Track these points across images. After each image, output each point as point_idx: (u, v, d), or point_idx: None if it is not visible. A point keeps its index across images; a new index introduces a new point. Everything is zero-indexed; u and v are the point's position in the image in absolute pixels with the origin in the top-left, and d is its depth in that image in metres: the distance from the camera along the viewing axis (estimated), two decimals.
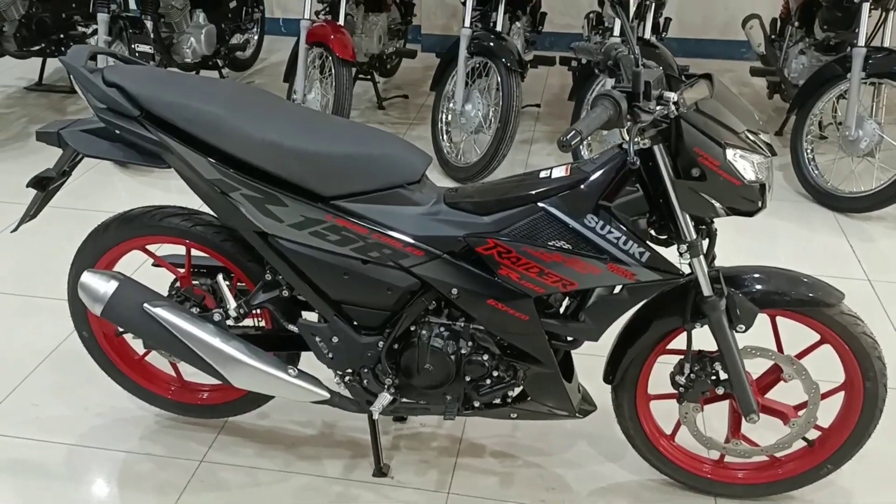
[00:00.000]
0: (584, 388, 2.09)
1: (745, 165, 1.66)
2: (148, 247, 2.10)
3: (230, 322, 2.02)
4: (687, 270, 1.78)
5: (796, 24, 4.41)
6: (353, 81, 3.84)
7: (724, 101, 1.69)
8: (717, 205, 1.69)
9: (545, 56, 4.72)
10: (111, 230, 2.06)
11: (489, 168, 3.76)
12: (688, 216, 1.72)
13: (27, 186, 1.94)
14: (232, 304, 1.98)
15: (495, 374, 1.94)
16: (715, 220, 1.79)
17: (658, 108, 1.62)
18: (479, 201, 1.84)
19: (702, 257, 1.76)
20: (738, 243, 3.39)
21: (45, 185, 1.98)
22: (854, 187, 3.68)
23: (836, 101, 3.81)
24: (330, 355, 1.99)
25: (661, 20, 4.80)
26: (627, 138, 1.58)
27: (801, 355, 1.95)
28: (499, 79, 3.74)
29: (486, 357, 1.91)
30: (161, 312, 1.92)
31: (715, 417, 2.22)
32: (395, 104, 5.03)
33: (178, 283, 2.14)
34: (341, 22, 3.99)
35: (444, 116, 4.01)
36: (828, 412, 1.97)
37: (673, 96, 1.63)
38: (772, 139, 1.82)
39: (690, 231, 1.73)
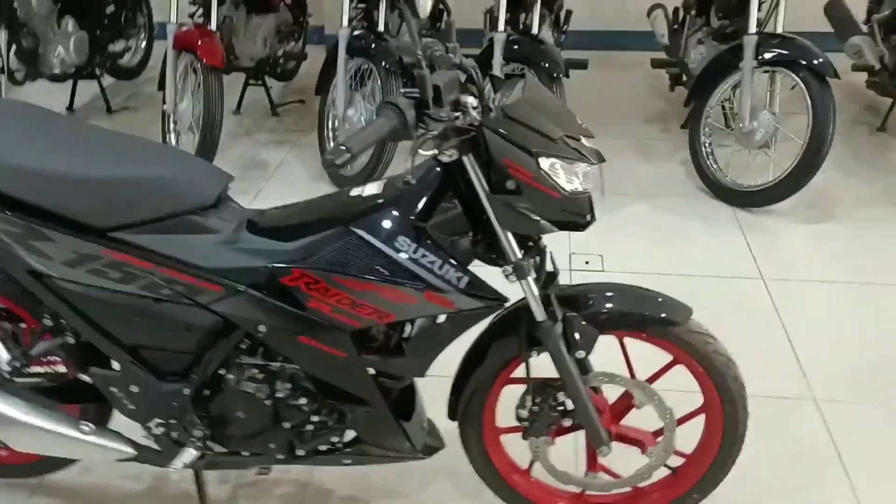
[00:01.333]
0: (432, 422, 1.89)
1: (565, 175, 1.47)
2: None
3: (19, 374, 1.77)
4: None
5: (694, 12, 4.29)
6: (221, 89, 3.59)
7: (538, 104, 1.49)
8: (539, 220, 1.49)
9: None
10: None
11: (373, 175, 3.54)
12: (509, 234, 1.53)
13: None
14: (4, 356, 1.72)
15: (316, 418, 1.72)
16: (543, 237, 1.60)
17: (456, 114, 1.42)
18: (283, 226, 1.63)
19: (531, 279, 1.57)
20: (630, 246, 3.24)
21: None
22: (752, 181, 3.55)
23: (732, 91, 3.67)
24: (131, 406, 1.75)
25: (563, 13, 4.64)
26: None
27: (653, 378, 1.77)
28: (379, 82, 3.52)
29: (304, 401, 1.69)
30: None
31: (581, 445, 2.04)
32: (290, 110, 4.79)
33: None
34: (213, 26, 3.73)
35: (329, 122, 3.79)
36: (692, 437, 1.80)
37: (472, 101, 1.44)
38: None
39: (515, 250, 1.54)
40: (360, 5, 3.86)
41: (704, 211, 3.53)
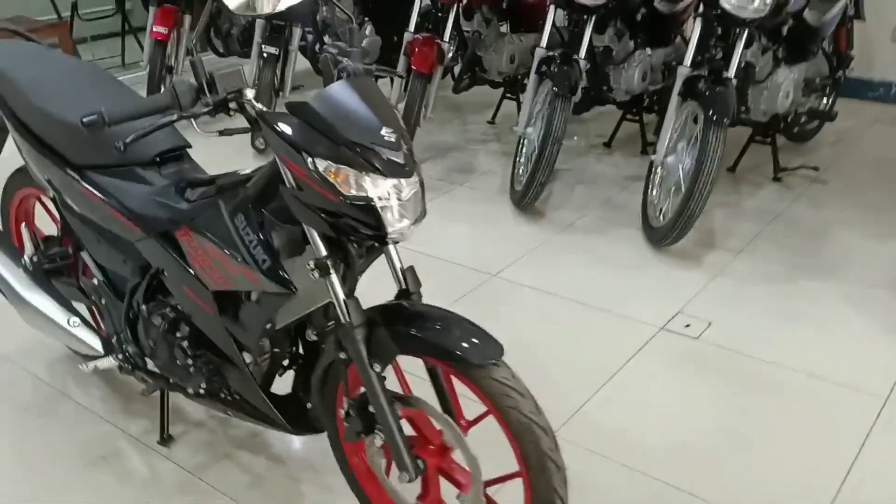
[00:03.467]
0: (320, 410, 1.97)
1: (350, 181, 1.47)
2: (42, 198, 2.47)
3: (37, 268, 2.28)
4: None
5: None
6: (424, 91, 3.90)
7: (343, 103, 1.50)
8: (327, 219, 1.52)
9: None
10: (14, 178, 2.47)
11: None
12: (314, 232, 1.58)
13: None
14: (28, 249, 2.26)
15: (196, 363, 1.94)
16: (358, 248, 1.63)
17: (232, 105, 1.53)
18: (189, 189, 1.88)
19: (335, 279, 1.59)
20: (757, 322, 2.80)
21: None
22: None
23: None
24: (105, 314, 2.16)
25: (834, 58, 4.04)
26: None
27: (473, 423, 1.64)
28: None
29: (186, 344, 1.93)
30: None
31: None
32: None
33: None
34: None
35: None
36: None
37: (249, 93, 1.52)
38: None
39: (318, 246, 1.58)
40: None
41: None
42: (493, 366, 1.53)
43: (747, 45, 3.28)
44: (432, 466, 1.71)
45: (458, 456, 1.70)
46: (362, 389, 1.65)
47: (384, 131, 1.49)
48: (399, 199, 1.51)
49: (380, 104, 1.54)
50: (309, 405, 1.94)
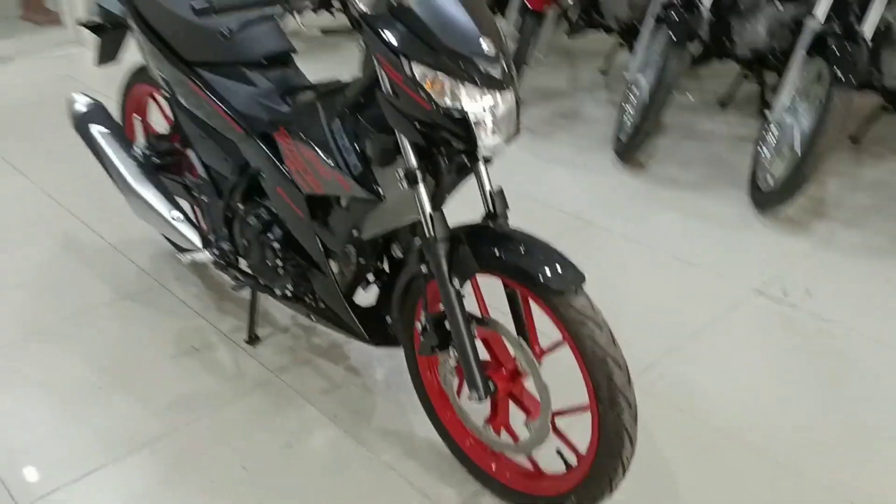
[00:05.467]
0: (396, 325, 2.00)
1: (446, 90, 1.46)
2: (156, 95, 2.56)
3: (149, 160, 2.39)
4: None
5: None
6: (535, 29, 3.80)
7: (444, 8, 1.46)
8: (419, 128, 1.49)
9: None
10: (135, 75, 2.57)
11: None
12: (406, 140, 1.57)
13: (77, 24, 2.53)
14: (141, 143, 2.36)
15: (282, 263, 2.00)
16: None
17: (335, 2, 1.53)
18: (298, 93, 1.91)
19: (422, 190, 1.59)
20: (857, 288, 2.66)
21: (98, 30, 2.54)
22: None
23: None
24: (205, 211, 2.25)
25: None
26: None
27: (546, 351, 1.63)
28: None
29: (277, 246, 1.99)
30: (97, 136, 2.38)
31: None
32: None
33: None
34: None
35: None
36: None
37: None
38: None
39: (408, 155, 1.57)
40: None
41: None
42: (573, 293, 1.51)
43: (889, 3, 3.05)
44: (503, 390, 1.72)
45: (528, 383, 1.71)
46: (441, 307, 1.66)
47: (483, 43, 1.46)
48: (493, 114, 1.49)
49: (481, 14, 1.51)
50: (388, 319, 1.98)
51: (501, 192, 1.69)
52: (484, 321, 1.69)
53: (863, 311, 2.58)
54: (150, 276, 2.69)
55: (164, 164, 2.41)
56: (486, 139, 1.50)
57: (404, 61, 1.46)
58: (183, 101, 2.13)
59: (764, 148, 3.28)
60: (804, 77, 3.11)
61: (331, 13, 1.59)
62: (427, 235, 1.61)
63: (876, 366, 2.34)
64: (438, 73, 1.45)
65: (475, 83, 1.46)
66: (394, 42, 1.47)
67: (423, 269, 1.68)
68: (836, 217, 3.18)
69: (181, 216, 2.29)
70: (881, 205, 3.28)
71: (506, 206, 1.70)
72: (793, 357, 2.38)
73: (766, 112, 3.27)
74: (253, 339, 2.36)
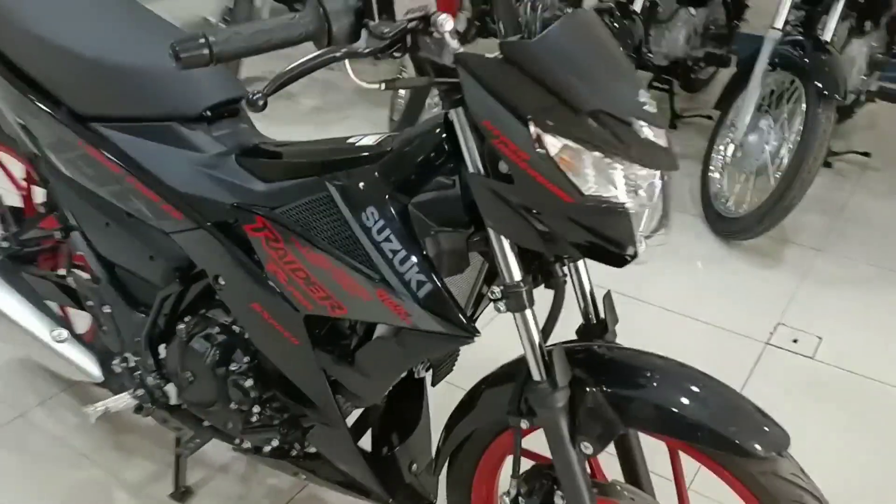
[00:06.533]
0: (428, 475, 1.44)
1: (591, 170, 0.93)
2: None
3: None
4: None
5: None
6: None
7: (578, 52, 0.95)
8: (543, 229, 0.98)
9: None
10: None
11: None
12: (505, 243, 1.03)
13: None
14: None
15: (258, 409, 1.36)
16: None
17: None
18: (268, 162, 1.28)
19: (529, 315, 1.05)
20: (868, 337, 2.40)
21: None
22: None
23: None
24: (104, 328, 1.54)
25: None
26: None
27: None
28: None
29: (251, 383, 1.35)
30: None
31: None
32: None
33: None
34: None
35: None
36: None
37: (447, 23, 0.95)
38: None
39: (510, 265, 1.04)
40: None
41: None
42: (779, 457, 1.03)
43: None
44: None
45: None
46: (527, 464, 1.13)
47: (642, 97, 0.96)
48: (650, 201, 0.98)
49: (620, 57, 0.99)
50: (414, 466, 1.40)
51: (609, 295, 1.19)
52: (605, 489, 1.17)
53: (879, 355, 2.32)
54: (7, 404, 1.90)
55: (27, 256, 1.65)
56: (640, 237, 0.98)
57: (535, 131, 0.91)
58: (66, 171, 1.42)
59: (716, 171, 2.99)
60: (765, 91, 2.83)
61: (394, 56, 0.99)
62: (537, 378, 1.06)
63: None
64: (584, 147, 0.92)
65: (636, 160, 0.94)
66: (514, 102, 0.91)
67: (524, 423, 1.13)
68: (801, 242, 2.93)
69: (66, 334, 1.56)
70: (837, 226, 3.08)
71: (614, 313, 1.19)
72: (830, 418, 2.05)
73: (727, 130, 2.96)
74: (182, 493, 1.68)
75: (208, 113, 1.34)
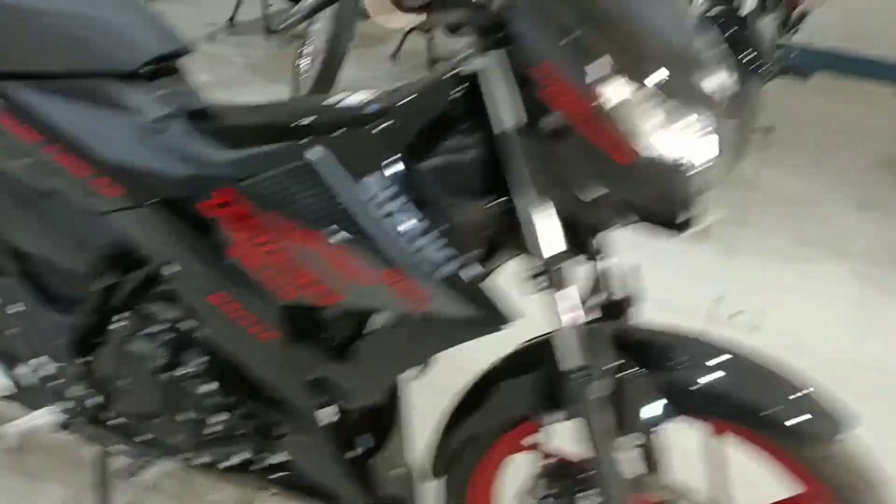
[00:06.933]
0: (409, 467, 1.29)
1: (646, 126, 0.81)
2: None
3: None
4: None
5: None
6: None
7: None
8: (598, 195, 0.85)
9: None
10: None
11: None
12: (544, 211, 0.89)
13: None
14: None
15: (219, 418, 1.17)
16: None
17: None
18: (231, 126, 1.08)
19: (572, 291, 0.92)
20: (808, 308, 2.42)
21: None
22: None
23: None
24: (13, 328, 1.28)
25: (795, 11, 3.76)
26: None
27: None
28: None
29: (206, 389, 1.14)
30: None
31: None
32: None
33: None
34: None
35: None
36: None
37: None
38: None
39: (552, 237, 0.90)
40: None
41: None
42: (838, 441, 0.95)
43: None
44: None
45: None
46: (542, 462, 1.01)
47: (704, 43, 0.85)
48: (710, 160, 0.88)
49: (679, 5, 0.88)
50: (393, 470, 1.25)
51: (637, 268, 1.08)
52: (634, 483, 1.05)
53: (824, 326, 2.34)
54: None
55: None
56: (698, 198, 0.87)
57: (608, 74, 0.77)
58: None
59: None
60: None
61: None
62: (574, 366, 0.93)
63: (868, 390, 2.08)
64: (656, 97, 0.79)
65: (704, 109, 0.82)
66: (579, 41, 0.77)
67: (557, 417, 0.99)
68: (723, 217, 2.94)
69: None
70: (752, 198, 3.12)
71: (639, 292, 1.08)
72: None
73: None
74: None
75: (147, 69, 1.12)
